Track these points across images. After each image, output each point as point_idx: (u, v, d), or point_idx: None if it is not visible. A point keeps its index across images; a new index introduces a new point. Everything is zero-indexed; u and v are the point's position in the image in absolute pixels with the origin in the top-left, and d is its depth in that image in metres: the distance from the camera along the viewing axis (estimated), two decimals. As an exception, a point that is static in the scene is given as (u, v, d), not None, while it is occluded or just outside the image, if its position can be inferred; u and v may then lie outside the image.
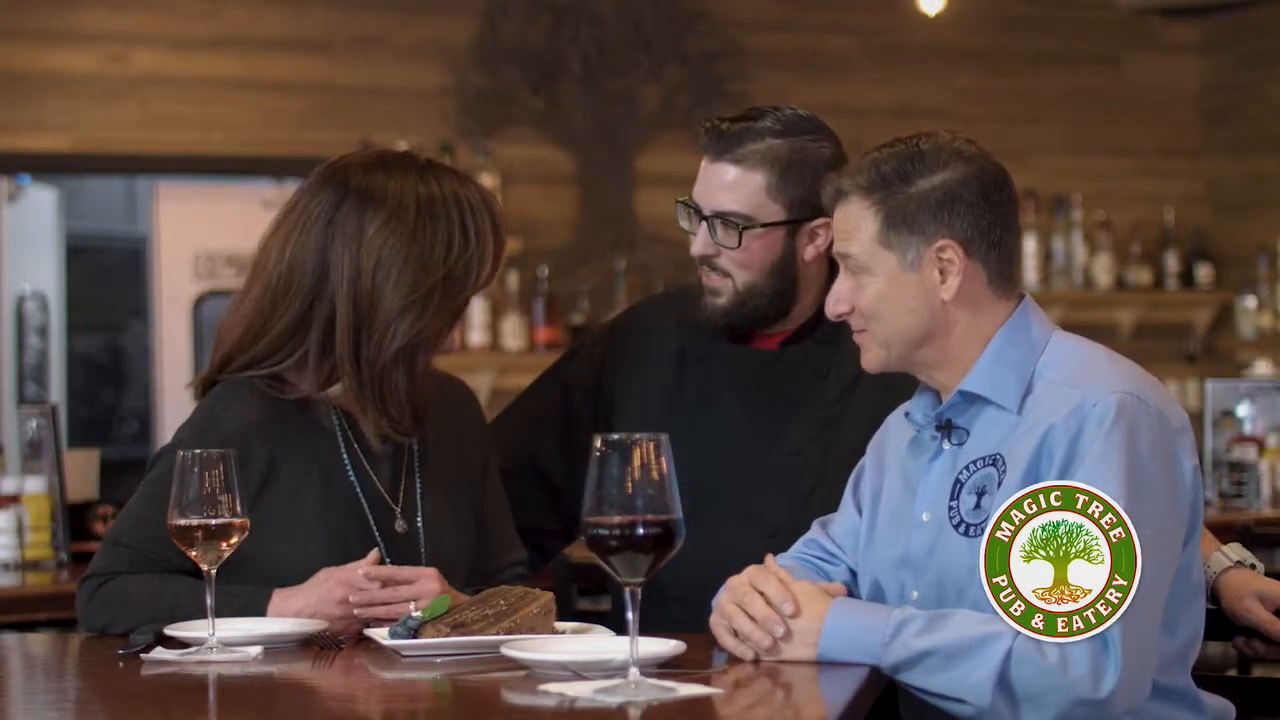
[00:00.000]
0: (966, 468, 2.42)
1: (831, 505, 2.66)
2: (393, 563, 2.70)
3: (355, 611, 2.59)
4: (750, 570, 2.40)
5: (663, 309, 3.19)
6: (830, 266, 2.92)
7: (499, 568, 2.87)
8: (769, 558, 2.44)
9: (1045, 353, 2.43)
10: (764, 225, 2.92)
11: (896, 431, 2.58)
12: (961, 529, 2.39)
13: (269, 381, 2.74)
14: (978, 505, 2.38)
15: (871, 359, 2.49)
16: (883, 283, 2.43)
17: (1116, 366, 2.40)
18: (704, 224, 2.97)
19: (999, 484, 2.37)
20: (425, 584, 2.61)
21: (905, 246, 2.41)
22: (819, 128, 2.96)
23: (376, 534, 2.73)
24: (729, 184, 2.93)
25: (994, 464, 2.38)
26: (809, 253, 2.95)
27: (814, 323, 2.99)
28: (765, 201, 2.92)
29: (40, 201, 7.29)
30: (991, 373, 2.42)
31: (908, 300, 2.43)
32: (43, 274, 7.85)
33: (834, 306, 2.49)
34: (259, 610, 2.60)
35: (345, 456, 2.76)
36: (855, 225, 2.45)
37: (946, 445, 2.46)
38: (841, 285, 2.48)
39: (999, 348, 2.43)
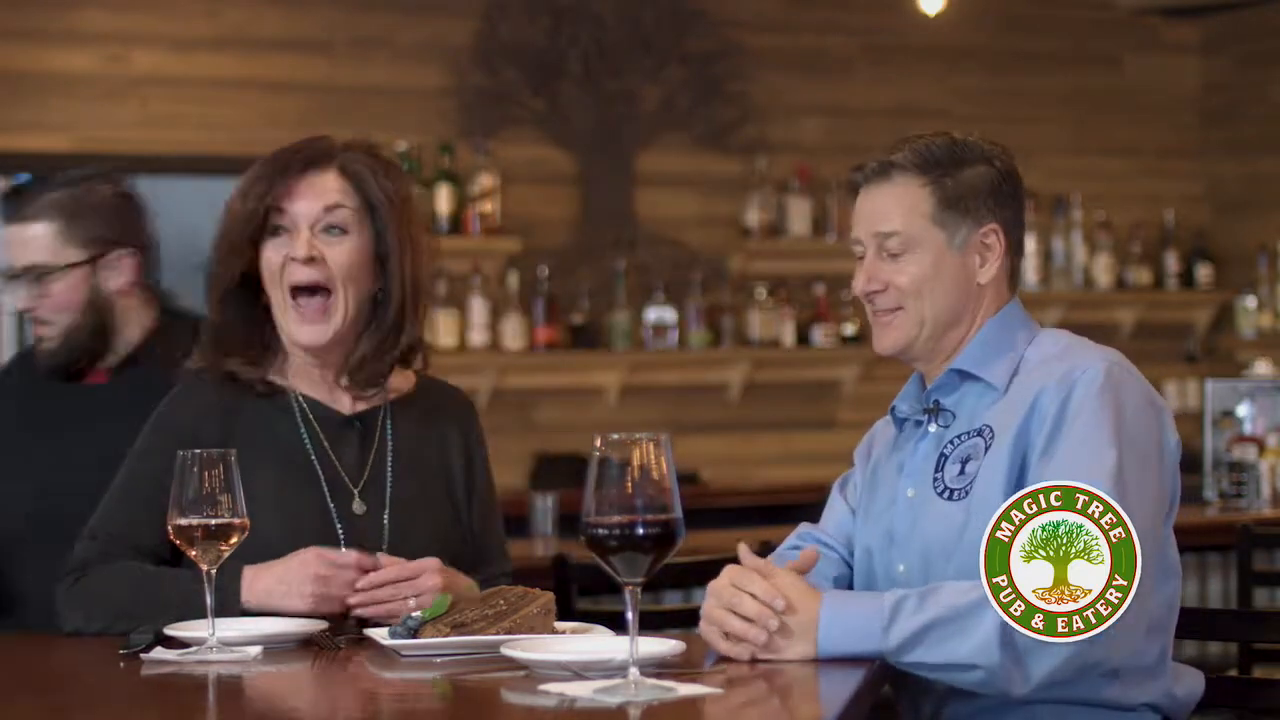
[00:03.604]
0: (951, 442, 2.46)
1: None
2: (347, 545, 2.72)
3: (357, 612, 2.60)
4: (728, 572, 2.39)
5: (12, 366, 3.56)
6: (153, 296, 3.32)
7: (486, 578, 2.86)
8: (743, 551, 2.43)
9: (1033, 343, 2.51)
10: (63, 268, 3.24)
11: (883, 432, 2.63)
12: (945, 495, 2.42)
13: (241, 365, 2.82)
14: (962, 471, 2.42)
15: (897, 337, 2.52)
16: (929, 260, 2.48)
17: (1101, 347, 2.48)
18: (11, 284, 3.28)
19: (986, 450, 2.40)
20: (427, 579, 2.63)
21: (956, 227, 2.48)
22: (103, 174, 3.37)
23: (333, 513, 2.75)
24: (23, 241, 3.25)
25: (980, 434, 2.43)
26: (115, 284, 3.28)
27: (141, 352, 3.30)
28: (60, 247, 3.25)
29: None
30: (982, 353, 2.49)
31: (948, 280, 2.49)
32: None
33: (865, 285, 2.51)
34: (234, 591, 2.61)
35: (305, 437, 2.80)
36: (901, 201, 2.49)
37: (933, 427, 2.49)
38: (874, 265, 2.51)
39: (990, 332, 2.50)
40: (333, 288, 2.76)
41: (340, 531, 2.74)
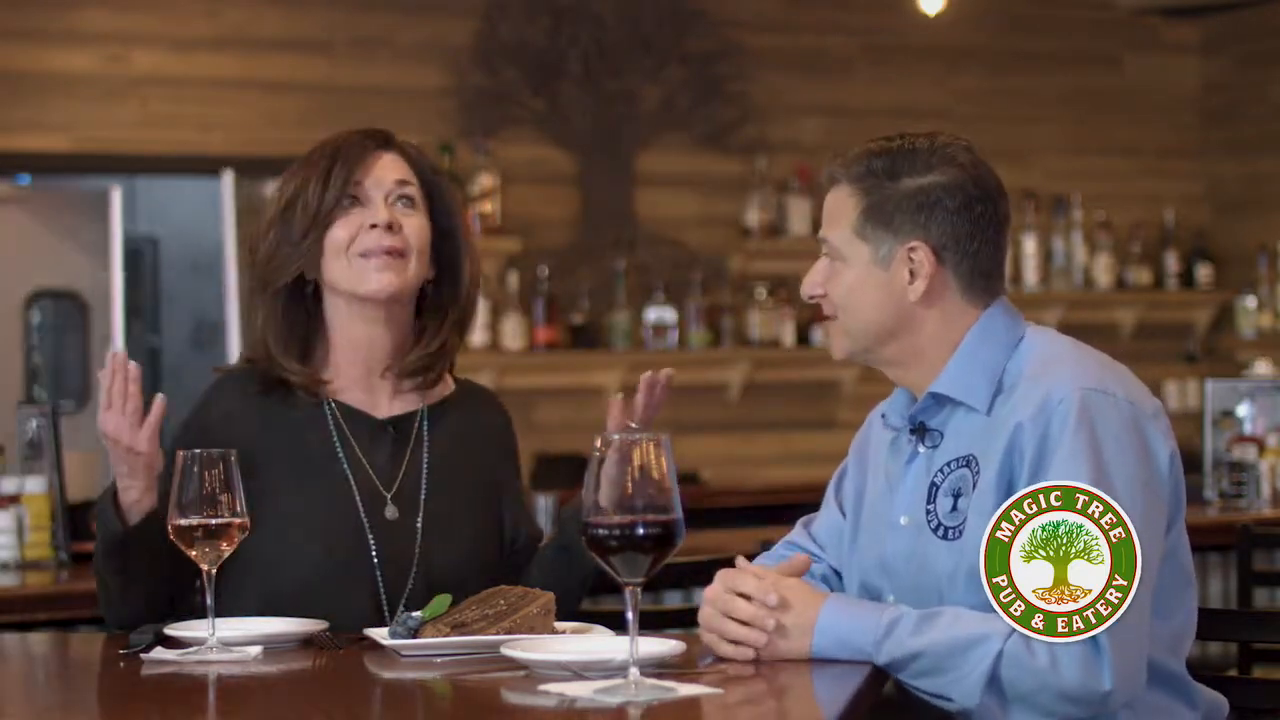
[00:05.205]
0: (941, 469, 2.42)
1: None
2: (379, 552, 2.71)
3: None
4: (721, 576, 2.39)
5: None
6: None
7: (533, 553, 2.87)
8: (740, 559, 2.43)
9: (1016, 352, 2.43)
10: None
11: (879, 431, 2.58)
12: (940, 532, 2.39)
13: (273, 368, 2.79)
14: (954, 508, 2.38)
15: (837, 348, 2.52)
16: (854, 274, 2.45)
17: (1081, 360, 2.40)
18: None
19: (974, 485, 2.36)
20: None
21: (879, 241, 2.43)
22: None
23: (364, 520, 2.72)
24: None
25: (968, 465, 2.39)
26: None
27: None
28: None
29: (92, 200, 7.20)
30: (961, 374, 2.42)
31: (874, 295, 2.44)
32: (88, 274, 7.78)
33: (808, 289, 2.51)
34: (106, 504, 2.62)
35: (337, 442, 2.76)
36: (833, 210, 2.48)
37: (921, 448, 2.46)
38: (817, 269, 2.51)
39: (970, 348, 2.43)
40: (408, 253, 2.75)
41: (372, 539, 2.71)
